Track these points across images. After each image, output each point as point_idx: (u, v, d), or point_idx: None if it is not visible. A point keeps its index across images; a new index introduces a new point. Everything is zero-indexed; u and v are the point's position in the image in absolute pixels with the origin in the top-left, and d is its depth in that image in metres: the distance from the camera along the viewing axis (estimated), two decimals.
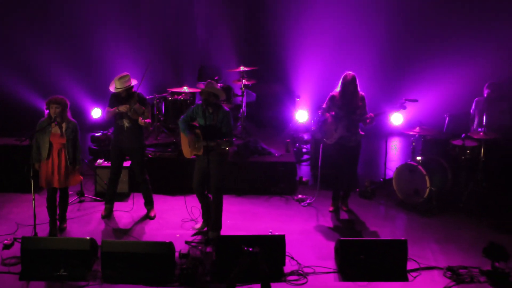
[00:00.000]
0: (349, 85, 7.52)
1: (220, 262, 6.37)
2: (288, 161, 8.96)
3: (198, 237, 7.22)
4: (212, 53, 11.90)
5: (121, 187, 8.26)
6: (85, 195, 8.39)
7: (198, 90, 9.05)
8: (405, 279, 6.33)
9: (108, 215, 7.79)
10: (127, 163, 8.05)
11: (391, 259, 6.41)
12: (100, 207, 7.99)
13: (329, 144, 7.84)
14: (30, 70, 11.34)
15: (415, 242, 7.02)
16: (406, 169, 8.29)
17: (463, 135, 8.15)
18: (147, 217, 7.82)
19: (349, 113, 7.60)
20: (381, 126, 9.56)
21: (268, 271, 5.68)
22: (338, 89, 7.64)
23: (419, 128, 8.29)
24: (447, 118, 9.05)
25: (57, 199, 7.28)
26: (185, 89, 9.78)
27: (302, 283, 6.25)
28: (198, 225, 7.41)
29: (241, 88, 9.92)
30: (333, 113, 7.65)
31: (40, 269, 6.27)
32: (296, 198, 8.54)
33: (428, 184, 8.00)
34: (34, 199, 6.80)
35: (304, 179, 9.17)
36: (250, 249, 5.63)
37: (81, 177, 7.38)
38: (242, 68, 9.91)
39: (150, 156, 8.68)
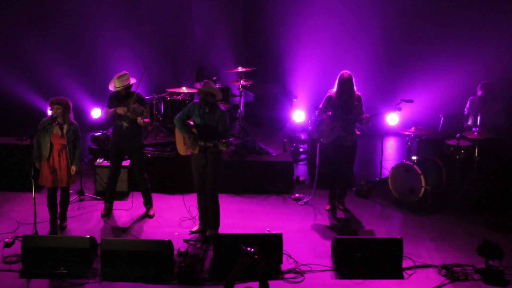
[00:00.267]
0: (346, 84, 7.52)
1: (218, 260, 6.41)
2: (285, 161, 8.98)
3: (197, 236, 7.23)
4: (210, 53, 11.90)
5: (121, 186, 8.27)
6: (85, 194, 8.40)
7: (196, 91, 9.08)
8: (401, 277, 6.35)
9: (107, 213, 7.81)
10: (126, 163, 8.05)
11: (387, 257, 6.43)
12: (100, 205, 8.00)
13: (326, 143, 7.85)
14: (31, 70, 11.33)
15: (411, 240, 7.05)
16: (401, 169, 8.30)
17: (457, 135, 8.16)
18: (146, 215, 7.84)
19: (346, 113, 7.61)
20: (377, 126, 9.57)
21: (267, 270, 5.65)
22: (334, 89, 7.64)
23: (414, 128, 8.32)
24: (442, 118, 9.08)
25: (58, 197, 7.29)
26: (184, 89, 9.78)
27: (299, 281, 6.28)
28: (196, 228, 7.39)
29: (239, 89, 9.93)
30: (330, 113, 7.66)
31: (41, 267, 6.30)
32: (293, 197, 8.56)
33: (423, 183, 8.02)
34: (34, 198, 6.82)
35: (301, 178, 9.18)
36: (249, 248, 5.63)
37: (74, 182, 7.41)
38: (240, 69, 9.92)
39: (149, 155, 8.70)
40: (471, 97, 8.80)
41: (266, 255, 6.17)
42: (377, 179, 9.13)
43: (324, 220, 7.87)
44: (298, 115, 10.75)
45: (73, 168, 7.12)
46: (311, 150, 9.25)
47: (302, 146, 10.39)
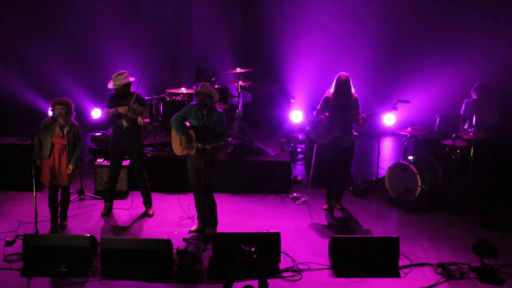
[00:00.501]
0: (343, 85, 7.54)
1: (217, 258, 6.43)
2: (283, 161, 8.99)
3: (196, 234, 7.26)
4: (209, 54, 11.89)
5: (120, 186, 8.31)
6: (85, 193, 8.42)
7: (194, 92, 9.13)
8: (397, 275, 6.39)
9: (107, 213, 7.84)
10: (126, 162, 8.07)
11: (384, 255, 6.47)
12: (100, 205, 8.03)
13: (324, 144, 7.88)
14: (32, 71, 11.34)
15: (407, 239, 7.08)
16: (398, 168, 8.32)
17: (453, 135, 8.17)
18: (146, 215, 7.87)
19: (343, 114, 7.64)
20: (374, 126, 9.56)
21: (266, 269, 5.70)
22: (332, 90, 7.66)
23: (410, 128, 8.35)
24: (438, 119, 9.10)
25: (59, 197, 7.34)
26: (183, 90, 9.81)
27: (297, 279, 6.31)
28: (195, 227, 7.43)
29: (238, 89, 9.95)
30: (327, 113, 7.68)
31: (41, 265, 6.33)
32: (291, 196, 8.58)
33: (419, 183, 8.05)
34: (35, 197, 6.86)
35: (299, 178, 9.21)
36: (248, 248, 5.66)
37: (76, 180, 7.44)
38: (238, 70, 9.94)
39: (148, 155, 8.72)
40: (466, 99, 8.80)
41: (264, 253, 6.19)
42: (374, 178, 9.14)
43: (322, 219, 7.89)
44: (296, 116, 10.77)
45: (70, 166, 7.15)
46: (309, 150, 9.26)
47: (299, 146, 10.42)
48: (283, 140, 9.64)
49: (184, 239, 7.09)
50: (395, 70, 11.19)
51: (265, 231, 6.89)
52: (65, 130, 7.10)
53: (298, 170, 9.79)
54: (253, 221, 7.79)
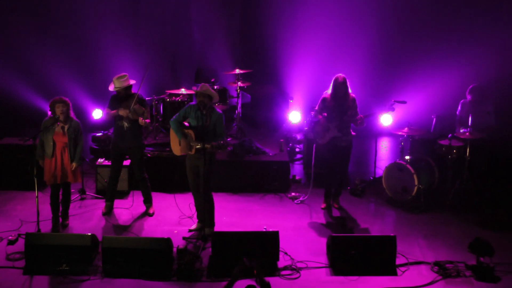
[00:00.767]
0: (340, 87, 7.58)
1: (216, 257, 6.47)
2: (281, 160, 9.02)
3: (195, 233, 7.29)
4: (208, 56, 11.92)
5: (121, 185, 8.35)
6: (87, 192, 8.46)
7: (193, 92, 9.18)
8: (394, 273, 6.44)
9: (108, 212, 7.87)
10: (126, 162, 8.12)
11: (381, 254, 6.51)
12: (101, 204, 8.06)
13: (322, 144, 7.91)
14: (33, 72, 11.36)
15: (404, 238, 7.13)
16: (395, 168, 8.36)
17: (449, 135, 8.21)
18: (146, 214, 7.91)
19: (341, 114, 7.67)
20: (371, 126, 9.60)
21: (268, 283, 5.72)
22: (329, 91, 7.69)
23: (407, 129, 8.39)
24: (434, 119, 9.10)
25: (60, 196, 7.36)
26: (183, 90, 9.84)
27: (295, 277, 6.35)
28: (194, 226, 7.47)
29: (237, 90, 9.99)
30: (325, 114, 7.72)
31: (43, 264, 6.37)
32: (289, 195, 8.61)
33: (416, 182, 8.09)
34: (37, 197, 6.90)
35: (297, 177, 9.24)
36: (249, 262, 5.75)
37: (80, 179, 7.50)
38: (237, 71, 9.98)
39: (149, 155, 8.75)
40: (462, 100, 8.83)
41: (263, 252, 6.34)
42: (371, 178, 9.17)
43: (320, 218, 7.92)
44: (294, 116, 10.78)
45: (73, 164, 7.19)
46: (307, 150, 9.30)
47: (298, 146, 10.44)
48: (282, 140, 9.66)
49: (183, 238, 7.13)
50: (392, 72, 11.21)
51: (264, 230, 6.90)
52: (66, 127, 7.15)
53: (296, 170, 9.81)
54: (252, 220, 7.82)
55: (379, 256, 6.52)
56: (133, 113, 7.41)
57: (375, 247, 6.55)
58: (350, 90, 7.67)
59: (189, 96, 9.91)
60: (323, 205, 8.21)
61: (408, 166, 8.20)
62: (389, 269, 6.49)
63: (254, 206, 8.33)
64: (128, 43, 11.48)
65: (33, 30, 11.30)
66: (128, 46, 11.44)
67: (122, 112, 7.45)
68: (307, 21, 11.34)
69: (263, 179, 8.85)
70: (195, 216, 7.61)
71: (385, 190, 8.52)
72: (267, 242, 6.49)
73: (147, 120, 7.51)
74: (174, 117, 7.19)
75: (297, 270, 6.49)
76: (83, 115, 10.51)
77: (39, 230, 6.95)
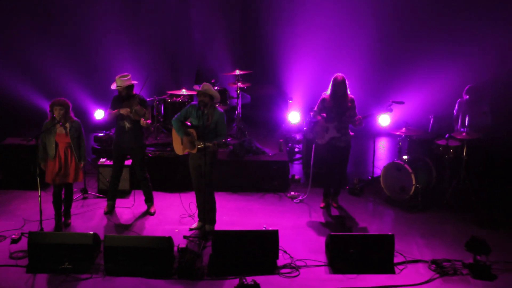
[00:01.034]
0: (339, 86, 7.59)
1: (216, 255, 6.52)
2: (281, 160, 9.04)
3: (196, 232, 7.33)
4: (208, 57, 11.94)
5: (123, 185, 8.38)
6: (89, 192, 8.49)
7: (195, 93, 9.21)
8: (392, 271, 6.47)
9: (110, 211, 7.91)
10: (128, 162, 8.16)
11: (379, 252, 6.54)
12: (103, 203, 8.10)
13: (321, 144, 7.94)
14: (35, 72, 11.38)
15: (402, 236, 7.15)
16: (393, 168, 8.39)
17: (447, 135, 8.23)
18: (147, 213, 7.93)
19: (340, 115, 7.70)
20: (369, 127, 9.63)
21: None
22: (328, 91, 7.71)
23: (405, 129, 8.42)
24: (432, 119, 9.16)
25: (63, 195, 7.39)
26: (183, 91, 9.88)
27: (294, 276, 6.38)
28: (195, 225, 7.51)
29: (237, 91, 10.03)
30: (324, 114, 7.75)
31: (46, 262, 6.40)
32: (288, 195, 8.64)
33: (413, 182, 8.11)
34: (40, 196, 6.92)
35: (296, 177, 9.26)
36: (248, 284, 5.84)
37: (81, 178, 7.51)
38: (237, 72, 10.02)
39: (150, 155, 8.76)
40: (459, 99, 8.87)
41: (263, 251, 6.40)
42: (370, 177, 9.20)
43: (319, 217, 7.95)
44: (294, 116, 10.84)
45: (82, 163, 7.26)
46: (306, 150, 9.33)
47: (297, 146, 10.46)
48: (281, 140, 9.69)
49: (184, 237, 7.16)
50: (390, 72, 11.23)
51: (264, 228, 6.93)
52: (67, 127, 7.17)
53: (296, 169, 9.83)
54: (252, 219, 7.85)
55: (377, 255, 6.55)
56: (134, 114, 7.45)
57: (373, 245, 6.58)
58: (349, 91, 7.69)
59: (190, 96, 9.94)
60: (322, 204, 8.24)
61: (406, 165, 8.22)
62: (387, 267, 6.52)
63: (254, 205, 8.35)
64: (130, 45, 11.50)
65: (34, 31, 11.32)
66: (129, 47, 11.46)
67: (123, 111, 7.47)
68: (307, 22, 11.36)
69: (263, 178, 8.88)
70: (196, 215, 7.65)
71: (383, 190, 8.55)
72: (267, 240, 6.53)
73: (148, 121, 7.56)
74: (176, 116, 7.23)
75: (297, 268, 6.51)
76: (84, 115, 10.54)
77: (42, 229, 6.97)
